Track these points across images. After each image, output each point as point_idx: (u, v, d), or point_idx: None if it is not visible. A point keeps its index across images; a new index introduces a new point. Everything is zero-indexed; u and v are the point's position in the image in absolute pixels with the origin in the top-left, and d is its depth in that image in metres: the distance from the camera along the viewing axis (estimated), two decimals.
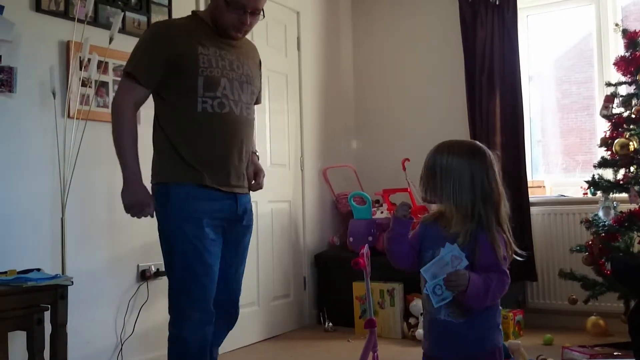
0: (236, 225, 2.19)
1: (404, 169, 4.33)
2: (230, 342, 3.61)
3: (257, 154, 2.36)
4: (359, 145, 4.92)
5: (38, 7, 2.75)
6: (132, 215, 2.06)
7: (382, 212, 4.31)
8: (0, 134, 2.58)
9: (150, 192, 2.09)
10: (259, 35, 3.99)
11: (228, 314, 2.27)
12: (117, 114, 2.08)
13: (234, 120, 2.14)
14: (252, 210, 2.28)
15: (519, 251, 1.74)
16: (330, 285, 4.28)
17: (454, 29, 4.42)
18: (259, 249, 3.90)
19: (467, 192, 1.68)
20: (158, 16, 3.30)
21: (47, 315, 2.33)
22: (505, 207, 1.74)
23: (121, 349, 2.99)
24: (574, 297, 3.65)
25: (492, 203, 1.70)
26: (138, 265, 3.12)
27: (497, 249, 1.67)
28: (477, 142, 1.80)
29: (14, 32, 2.61)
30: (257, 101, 2.35)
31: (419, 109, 4.65)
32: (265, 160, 4.01)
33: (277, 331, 4.02)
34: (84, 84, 2.85)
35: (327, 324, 4.10)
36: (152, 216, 2.08)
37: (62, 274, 2.59)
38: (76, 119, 2.78)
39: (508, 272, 1.70)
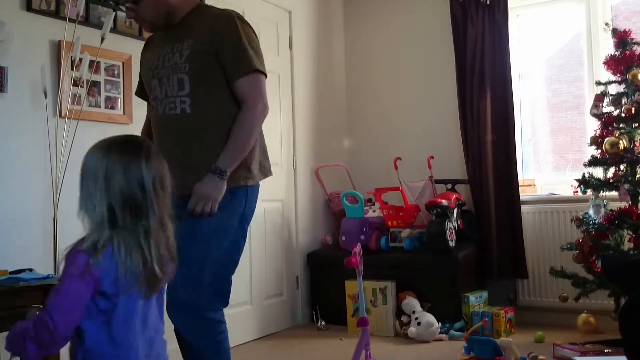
0: None
1: (396, 167, 4.35)
2: None
3: (215, 168, 1.91)
4: (351, 144, 4.93)
5: (29, 7, 2.73)
6: None
7: (374, 211, 4.33)
8: None
9: None
10: None
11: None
12: None
13: (159, 120, 2.04)
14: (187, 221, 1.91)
15: (158, 273, 1.37)
16: (322, 284, 4.29)
17: (445, 28, 4.44)
18: (251, 248, 3.90)
19: (99, 197, 1.35)
20: None
21: None
22: (156, 216, 1.37)
23: None
24: (565, 294, 3.68)
25: (132, 209, 1.35)
26: None
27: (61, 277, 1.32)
28: (131, 135, 1.47)
29: (4, 31, 2.60)
30: (230, 80, 1.98)
31: (411, 108, 4.66)
32: None
33: (270, 330, 4.02)
34: (75, 84, 2.85)
35: (319, 322, 4.11)
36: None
37: (55, 274, 2.58)
38: (68, 118, 2.78)
39: (54, 310, 1.30)
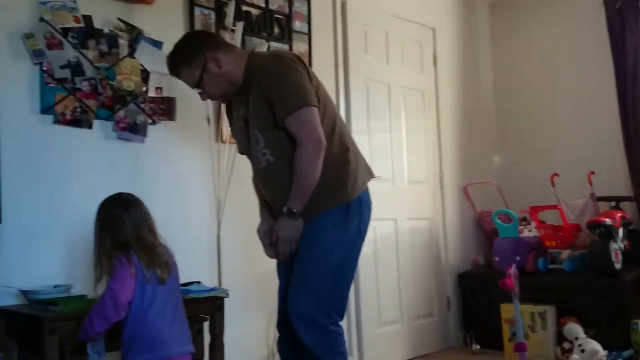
0: None
1: (553, 184, 4.11)
2: (375, 358, 3.62)
3: (286, 209, 2.03)
4: (502, 161, 4.76)
5: None
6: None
7: (529, 230, 4.11)
8: (163, 158, 2.83)
9: None
10: (394, 53, 4.05)
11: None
12: None
13: (256, 174, 2.21)
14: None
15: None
16: (476, 306, 4.15)
17: (600, 38, 4.17)
18: (399, 266, 3.89)
19: None
20: (299, 43, 3.45)
21: (205, 325, 2.49)
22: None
23: (273, 359, 3.10)
24: None
25: None
26: None
27: None
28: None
29: None
30: (280, 124, 2.02)
31: (566, 122, 4.41)
32: (402, 177, 4.02)
33: (421, 351, 3.96)
34: None
35: (473, 345, 3.98)
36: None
37: (219, 286, 2.75)
38: (229, 143, 2.97)
39: (111, 285, 1.99)
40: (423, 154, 4.21)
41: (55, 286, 2.30)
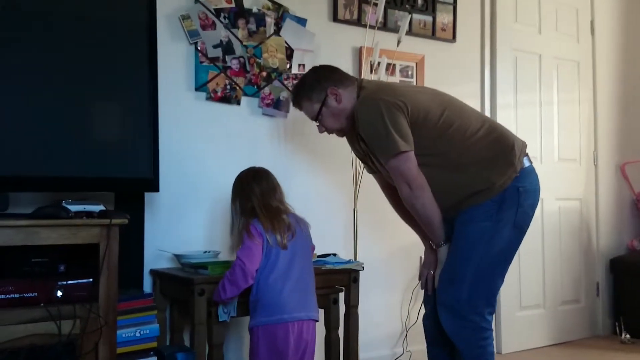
0: None
1: None
2: (514, 343, 3.52)
3: None
4: None
5: (335, 17, 3.03)
6: None
7: None
8: (304, 133, 2.92)
9: None
10: (547, 21, 3.82)
11: None
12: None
13: None
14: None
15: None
16: (628, 293, 3.86)
17: None
18: (544, 249, 3.72)
19: None
20: (442, 14, 3.36)
21: (341, 296, 2.57)
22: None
23: (406, 335, 3.13)
24: None
25: None
26: (421, 257, 3.21)
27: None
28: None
29: (314, 42, 2.93)
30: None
31: None
32: (552, 155, 3.81)
33: (565, 337, 3.78)
34: None
35: (623, 335, 3.72)
36: None
37: (354, 259, 2.82)
38: None
39: (239, 256, 2.12)
40: (576, 129, 3.95)
41: (205, 251, 2.50)
